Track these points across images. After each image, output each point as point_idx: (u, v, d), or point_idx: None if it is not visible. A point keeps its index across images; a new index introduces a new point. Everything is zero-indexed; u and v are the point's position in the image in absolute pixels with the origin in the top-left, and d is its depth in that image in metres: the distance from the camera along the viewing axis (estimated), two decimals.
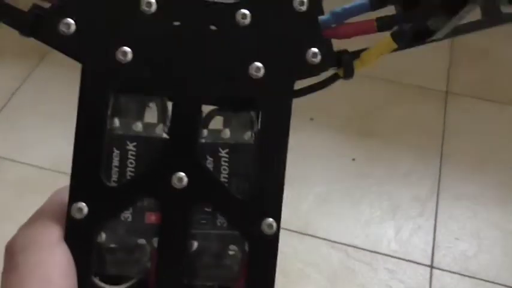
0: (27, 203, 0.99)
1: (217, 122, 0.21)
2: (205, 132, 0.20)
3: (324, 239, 0.98)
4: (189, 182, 0.19)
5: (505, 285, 0.93)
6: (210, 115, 0.20)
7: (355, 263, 0.95)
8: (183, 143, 0.19)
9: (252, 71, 0.20)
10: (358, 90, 1.22)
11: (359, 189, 1.05)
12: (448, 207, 1.03)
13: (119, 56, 0.19)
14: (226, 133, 0.20)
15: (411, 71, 1.26)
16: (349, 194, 1.04)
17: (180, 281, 0.19)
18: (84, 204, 0.19)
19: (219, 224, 0.20)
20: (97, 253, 0.19)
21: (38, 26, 0.20)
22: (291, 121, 0.20)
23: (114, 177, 0.20)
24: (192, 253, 0.20)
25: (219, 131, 0.20)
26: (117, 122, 0.20)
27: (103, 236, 0.19)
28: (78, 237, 0.19)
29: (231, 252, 0.20)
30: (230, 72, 0.20)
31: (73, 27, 0.19)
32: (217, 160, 0.20)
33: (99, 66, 0.20)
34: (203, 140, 0.20)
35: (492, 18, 0.23)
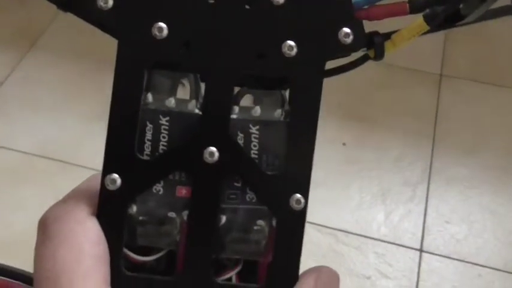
0: (18, 189, 1.00)
1: (247, 100, 0.22)
2: (236, 109, 0.21)
3: (313, 223, 0.98)
4: (220, 156, 0.20)
5: (495, 269, 0.92)
6: (241, 93, 0.21)
7: (344, 247, 0.95)
8: (215, 119, 0.20)
9: (285, 49, 0.20)
10: (349, 74, 1.21)
11: (349, 173, 1.05)
12: (439, 191, 1.03)
13: (155, 32, 0.20)
14: (257, 110, 0.21)
15: (404, 53, 1.25)
16: (339, 179, 1.04)
17: (208, 254, 0.20)
18: (117, 175, 0.20)
19: (248, 199, 0.20)
20: (128, 225, 0.20)
21: (76, 0, 0.20)
22: (321, 100, 0.20)
23: (147, 150, 0.20)
24: (220, 227, 0.20)
25: (250, 109, 0.21)
26: (150, 97, 0.20)
27: (134, 208, 0.20)
28: (111, 208, 0.20)
29: (258, 227, 0.20)
30: (263, 51, 0.20)
31: (111, 2, 0.20)
32: (247, 136, 0.20)
33: (134, 42, 0.20)
34: (234, 116, 0.20)
35: None
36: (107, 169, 0.20)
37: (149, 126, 0.20)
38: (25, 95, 1.15)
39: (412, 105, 1.16)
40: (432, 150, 1.09)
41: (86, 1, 0.20)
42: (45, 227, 0.19)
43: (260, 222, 0.20)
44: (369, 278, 0.92)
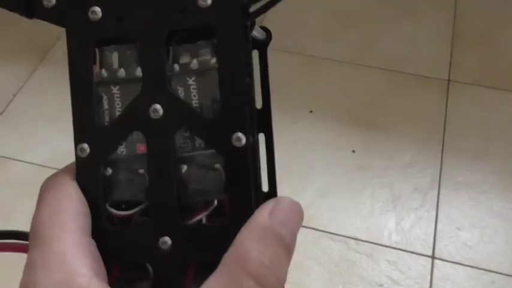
0: (30, 201, 1.01)
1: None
2: (176, 66, 0.22)
3: (324, 231, 0.98)
4: (165, 111, 0.22)
5: (508, 275, 0.92)
6: (178, 50, 0.23)
7: (355, 255, 0.95)
8: (154, 78, 0.22)
9: (199, 1, 0.22)
10: (358, 80, 1.21)
11: (359, 181, 1.05)
12: (449, 197, 1.03)
13: (91, 16, 0.23)
14: (195, 63, 0.22)
15: (412, 59, 1.25)
16: (350, 186, 1.04)
17: (173, 200, 0.22)
18: (86, 144, 0.22)
19: (197, 145, 0.22)
20: (106, 185, 0.22)
21: (30, 6, 0.23)
22: (245, 43, 0.22)
23: (107, 118, 0.23)
24: (183, 174, 0.22)
25: (188, 64, 0.22)
26: (104, 72, 0.23)
27: (109, 171, 0.23)
28: (85, 172, 0.22)
29: (214, 169, 0.22)
30: (183, 6, 0.22)
31: (53, 1, 0.23)
32: (187, 88, 0.22)
33: (78, 28, 0.23)
34: (174, 72, 0.22)
35: None
36: (77, 140, 0.23)
37: (104, 97, 0.23)
38: (36, 107, 1.16)
39: (421, 111, 1.16)
40: (442, 156, 1.09)
41: (36, 5, 0.23)
42: (39, 193, 0.22)
43: (217, 165, 0.22)
44: (381, 285, 0.92)
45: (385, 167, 1.07)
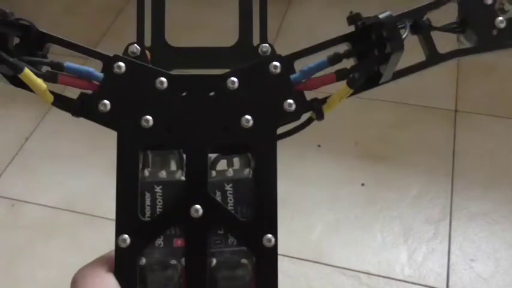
0: (44, 243, 1.01)
1: (223, 165, 0.28)
2: (213, 173, 0.26)
3: (336, 266, 0.97)
4: (204, 212, 0.25)
5: None
6: (216, 160, 0.26)
7: None
8: (197, 182, 0.25)
9: (243, 122, 0.25)
10: (365, 114, 1.22)
11: (369, 214, 1.04)
12: (461, 228, 1.02)
13: (143, 123, 0.25)
14: (230, 172, 0.26)
15: (419, 91, 1.26)
16: (360, 220, 1.04)
17: None
18: (126, 236, 0.25)
19: (230, 242, 0.25)
20: (140, 274, 0.25)
21: (83, 108, 0.26)
22: (277, 156, 0.26)
23: (148, 213, 0.25)
24: (212, 268, 0.25)
25: (225, 171, 0.26)
26: (147, 172, 0.26)
27: (143, 260, 0.25)
28: (124, 262, 0.24)
29: (242, 264, 0.25)
30: (227, 125, 0.25)
31: (108, 106, 0.26)
32: (224, 193, 0.26)
33: (129, 132, 0.25)
34: (212, 179, 0.26)
35: (431, 58, 0.29)
36: (118, 231, 0.25)
37: (147, 194, 0.25)
38: (48, 150, 1.18)
39: (429, 142, 1.16)
40: (452, 186, 1.08)
41: (91, 108, 0.26)
42: (74, 283, 0.24)
43: (244, 260, 0.25)
44: None
45: (395, 200, 1.06)
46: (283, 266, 0.89)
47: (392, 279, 0.95)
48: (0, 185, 1.12)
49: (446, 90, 1.26)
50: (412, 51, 0.29)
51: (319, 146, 1.16)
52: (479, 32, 0.27)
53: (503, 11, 0.26)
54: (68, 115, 1.11)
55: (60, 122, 1.23)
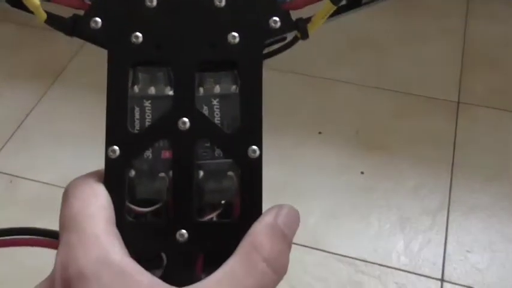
0: (41, 220, 1.01)
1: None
2: (201, 90, 0.27)
3: (333, 253, 0.97)
4: (191, 124, 0.26)
5: None
6: (204, 77, 0.27)
7: (364, 277, 0.94)
8: (185, 97, 0.26)
9: (230, 38, 0.26)
10: (367, 102, 1.22)
11: (368, 202, 1.04)
12: (459, 220, 1.02)
13: (133, 39, 0.26)
14: (217, 88, 0.27)
15: (421, 81, 1.26)
16: (358, 208, 1.04)
17: (191, 201, 0.25)
18: (116, 147, 0.25)
19: (216, 155, 0.26)
20: (129, 185, 0.26)
21: (76, 27, 0.27)
22: (263, 76, 0.26)
23: (137, 126, 0.26)
24: (199, 179, 0.26)
25: (212, 88, 0.27)
26: (136, 88, 0.27)
27: (133, 172, 0.26)
28: (113, 172, 0.25)
29: (229, 176, 0.26)
30: (214, 42, 0.26)
31: (100, 23, 0.26)
32: (211, 108, 0.26)
33: (119, 49, 0.26)
34: (200, 95, 0.26)
35: None
36: (108, 142, 0.25)
37: (137, 108, 0.26)
38: (48, 127, 1.18)
39: (430, 133, 1.16)
40: (451, 178, 1.08)
41: (83, 26, 0.26)
42: (65, 192, 0.25)
43: (230, 172, 0.26)
44: None
45: (393, 189, 1.06)
46: None
47: (388, 267, 0.95)
48: None
49: (450, 82, 1.26)
50: None
51: (320, 132, 1.16)
52: None
53: None
54: (70, 92, 1.11)
55: (62, 100, 1.23)
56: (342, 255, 0.97)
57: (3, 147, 1.15)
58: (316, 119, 1.18)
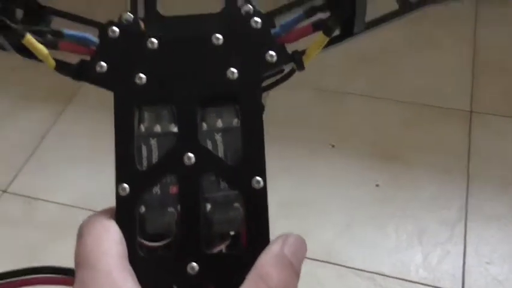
0: (57, 240, 1.02)
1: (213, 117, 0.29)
2: (204, 125, 0.27)
3: (350, 267, 0.97)
4: (196, 159, 0.26)
5: None
6: (206, 112, 0.28)
7: None
8: (188, 133, 0.27)
9: (229, 74, 0.27)
10: (379, 114, 1.21)
11: (384, 215, 1.04)
12: (477, 230, 1.01)
13: (137, 81, 0.27)
14: (219, 122, 0.27)
15: (433, 92, 1.25)
16: (374, 220, 1.03)
17: (199, 233, 0.26)
18: (126, 185, 0.26)
19: (222, 187, 0.27)
20: (140, 221, 0.26)
21: (82, 71, 0.28)
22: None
23: (145, 163, 0.27)
24: (206, 212, 0.26)
25: (214, 122, 0.28)
26: (142, 127, 0.27)
27: (143, 208, 0.26)
28: (124, 209, 0.26)
29: (235, 207, 0.26)
30: (214, 79, 0.27)
31: (105, 67, 0.27)
32: (214, 142, 0.27)
33: (124, 90, 0.27)
34: (203, 130, 0.27)
35: (402, 7, 0.29)
36: (118, 180, 0.26)
37: (143, 147, 0.27)
38: (64, 148, 1.20)
39: (444, 143, 1.15)
40: (467, 187, 1.07)
41: (89, 70, 0.27)
42: (79, 230, 0.26)
43: (236, 204, 0.26)
44: None
45: (409, 200, 1.06)
46: None
47: (407, 280, 0.95)
48: (17, 183, 1.13)
49: (462, 91, 1.25)
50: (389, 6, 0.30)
51: (332, 145, 1.16)
52: None
53: None
54: (83, 113, 1.12)
55: (76, 122, 1.24)
56: (360, 270, 0.96)
57: (20, 169, 1.16)
58: (329, 132, 1.18)
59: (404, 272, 0.96)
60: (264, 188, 0.26)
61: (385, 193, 1.07)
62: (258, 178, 0.26)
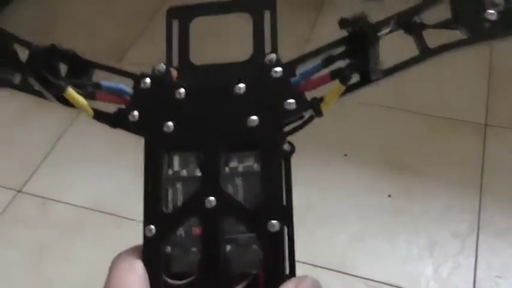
0: (72, 242, 1.04)
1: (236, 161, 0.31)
2: (226, 169, 0.29)
3: (361, 277, 0.97)
4: (217, 203, 0.28)
5: None
6: (229, 157, 0.29)
7: None
8: (211, 177, 0.28)
9: (249, 122, 0.29)
10: (393, 124, 1.21)
11: (395, 226, 1.04)
12: (489, 243, 1.01)
13: (165, 129, 0.29)
14: (240, 167, 0.29)
15: (448, 103, 1.25)
16: (385, 231, 1.03)
17: (219, 272, 0.28)
18: (152, 226, 0.28)
19: (241, 229, 0.28)
20: (166, 260, 0.28)
21: (118, 120, 0.31)
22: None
23: (170, 206, 0.29)
24: (226, 253, 0.28)
25: (236, 167, 0.29)
26: (170, 171, 0.30)
27: (169, 248, 0.28)
28: (150, 249, 0.28)
29: (253, 249, 0.28)
30: (236, 126, 0.29)
31: (137, 116, 0.30)
32: (234, 186, 0.29)
33: (154, 137, 0.30)
34: (225, 174, 0.29)
35: (422, 54, 0.30)
36: (146, 221, 0.28)
37: (170, 190, 0.29)
38: (80, 150, 1.21)
39: (458, 156, 1.15)
40: (480, 200, 1.07)
41: (124, 119, 0.30)
42: (109, 271, 0.28)
43: (254, 246, 0.28)
44: None
45: (421, 212, 1.06)
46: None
47: None
48: (32, 184, 1.15)
49: (476, 104, 1.25)
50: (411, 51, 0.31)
51: (345, 155, 1.16)
52: (470, 26, 0.29)
53: (494, 5, 0.27)
54: None
55: (91, 123, 1.26)
56: (370, 280, 0.96)
57: (36, 170, 1.18)
58: (341, 142, 1.18)
59: (414, 283, 0.95)
60: (280, 231, 0.27)
61: (397, 204, 1.07)
62: (274, 222, 0.27)
